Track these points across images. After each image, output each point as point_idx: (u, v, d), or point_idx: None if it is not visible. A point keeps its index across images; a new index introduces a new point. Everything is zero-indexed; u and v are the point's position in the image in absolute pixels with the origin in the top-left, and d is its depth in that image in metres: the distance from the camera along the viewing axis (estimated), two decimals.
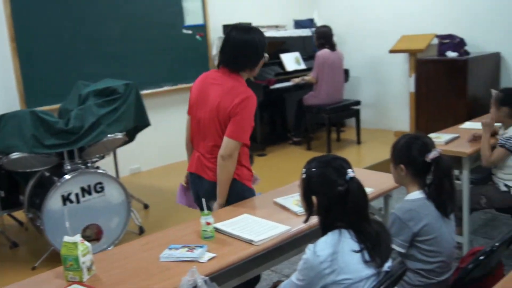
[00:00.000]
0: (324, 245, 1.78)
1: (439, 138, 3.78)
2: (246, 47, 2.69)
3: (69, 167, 3.79)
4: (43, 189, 3.70)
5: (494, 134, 3.64)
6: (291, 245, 2.34)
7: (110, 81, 4.26)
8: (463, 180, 3.62)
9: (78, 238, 1.96)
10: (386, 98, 7.52)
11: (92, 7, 5.44)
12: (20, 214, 4.34)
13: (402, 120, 7.10)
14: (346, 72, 7.17)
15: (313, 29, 6.97)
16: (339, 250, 1.77)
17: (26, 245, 4.22)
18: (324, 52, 6.27)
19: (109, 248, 3.75)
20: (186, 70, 6.35)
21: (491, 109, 3.57)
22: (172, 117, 6.31)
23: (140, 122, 4.31)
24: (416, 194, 2.30)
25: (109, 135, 3.83)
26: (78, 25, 5.35)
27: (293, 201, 2.59)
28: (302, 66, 6.85)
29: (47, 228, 3.59)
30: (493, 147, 3.47)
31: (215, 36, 6.60)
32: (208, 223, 2.23)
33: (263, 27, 6.47)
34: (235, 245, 2.18)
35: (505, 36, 6.19)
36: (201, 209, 2.77)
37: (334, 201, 1.82)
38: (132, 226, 4.21)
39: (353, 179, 1.83)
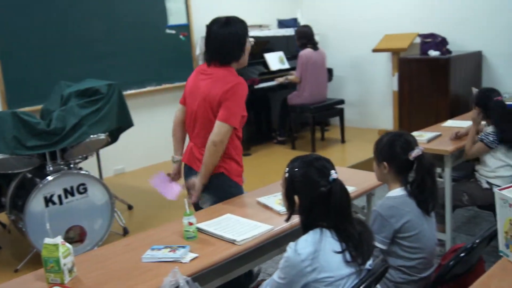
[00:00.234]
0: (305, 244, 1.78)
1: (422, 136, 3.81)
2: (228, 41, 2.73)
3: (51, 169, 3.76)
4: (25, 190, 3.67)
5: (477, 132, 3.68)
6: (274, 244, 2.35)
7: (92, 81, 4.24)
8: (446, 178, 3.65)
9: (59, 240, 1.94)
10: (370, 97, 7.56)
11: (75, 7, 5.41)
12: (2, 216, 4.30)
13: (385, 119, 7.15)
14: (330, 71, 7.20)
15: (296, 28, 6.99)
16: (320, 248, 1.77)
17: (8, 247, 4.18)
18: (306, 52, 6.28)
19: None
20: (169, 70, 6.33)
21: (472, 106, 3.61)
22: (156, 117, 6.30)
23: (123, 123, 4.28)
24: (398, 191, 2.32)
25: (91, 136, 3.81)
26: (61, 25, 5.31)
27: (276, 200, 2.60)
28: (286, 65, 6.85)
29: (30, 230, 3.55)
30: None
31: (199, 36, 6.59)
32: (190, 223, 2.23)
33: None
34: (218, 245, 2.18)
35: (487, 35, 6.25)
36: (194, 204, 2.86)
37: (316, 201, 1.82)
38: (116, 227, 4.19)
39: (336, 180, 1.83)
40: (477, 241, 2.17)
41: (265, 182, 3.16)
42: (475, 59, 6.32)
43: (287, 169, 1.93)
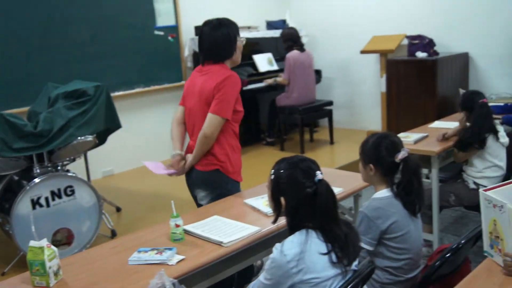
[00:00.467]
0: (291, 245, 1.79)
1: (408, 137, 3.83)
2: (220, 40, 2.85)
3: (38, 171, 3.74)
4: (12, 193, 3.65)
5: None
6: (261, 246, 2.34)
7: (80, 83, 4.22)
8: (433, 179, 3.68)
9: (44, 242, 1.93)
10: (358, 98, 7.59)
11: (62, 9, 5.38)
12: None
13: (374, 120, 7.18)
14: (319, 72, 7.22)
15: None
16: (306, 249, 1.77)
17: None
18: (293, 54, 6.30)
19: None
20: (158, 71, 6.33)
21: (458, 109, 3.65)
22: (145, 119, 6.29)
23: (111, 124, 4.26)
24: (384, 192, 2.33)
25: (79, 138, 3.79)
26: (48, 27, 5.28)
27: (264, 202, 2.60)
28: (275, 67, 6.87)
29: (17, 233, 3.53)
30: None
31: (187, 37, 6.59)
32: (177, 225, 2.23)
33: None
34: (205, 247, 2.18)
35: (473, 37, 6.30)
36: (194, 199, 2.96)
37: (302, 203, 1.83)
38: (104, 230, 4.17)
39: (321, 181, 1.84)
40: (463, 241, 2.18)
41: (255, 183, 3.16)
42: (462, 61, 6.36)
43: (273, 170, 1.93)
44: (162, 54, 6.37)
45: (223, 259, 2.14)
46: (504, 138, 3.54)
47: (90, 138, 3.89)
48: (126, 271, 2.00)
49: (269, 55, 6.92)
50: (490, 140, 3.47)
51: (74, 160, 4.16)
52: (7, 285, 1.98)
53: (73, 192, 3.78)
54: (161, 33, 6.34)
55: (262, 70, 6.71)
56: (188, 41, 6.59)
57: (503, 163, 3.55)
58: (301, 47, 6.41)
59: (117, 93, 5.76)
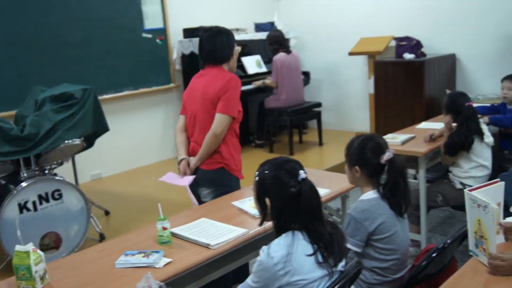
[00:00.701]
0: (277, 247, 1.79)
1: (396, 138, 3.85)
2: (219, 46, 3.07)
3: (25, 175, 3.72)
4: None
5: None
6: (248, 248, 2.35)
7: (67, 86, 4.20)
8: (420, 179, 3.70)
9: (30, 247, 1.92)
10: (347, 99, 7.62)
11: (49, 12, 5.36)
12: None
13: (362, 121, 7.21)
14: (307, 74, 7.24)
15: None
16: (293, 251, 1.78)
17: None
18: (280, 56, 6.32)
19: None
20: (146, 74, 6.32)
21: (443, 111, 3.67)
22: (134, 122, 6.28)
23: (98, 128, 4.25)
24: (370, 194, 2.34)
25: (66, 141, 3.78)
26: (36, 29, 5.25)
27: (251, 204, 2.60)
28: (263, 69, 6.88)
29: (4, 237, 3.51)
30: None
31: (176, 40, 6.58)
32: (164, 228, 2.22)
33: None
34: (192, 250, 2.18)
35: (460, 38, 6.35)
36: (196, 196, 3.05)
37: (287, 203, 1.84)
38: (92, 233, 4.15)
39: (305, 180, 1.85)
40: (449, 241, 2.20)
41: (243, 185, 3.17)
42: (449, 62, 6.41)
43: (257, 172, 1.94)
44: (151, 56, 6.36)
45: (210, 261, 2.14)
46: (488, 138, 3.58)
47: (77, 141, 3.87)
48: (113, 275, 1.99)
49: (257, 57, 6.93)
50: (476, 141, 3.50)
51: (61, 163, 4.14)
52: None
53: (60, 196, 3.76)
54: (149, 35, 6.33)
55: (250, 72, 6.72)
56: (177, 44, 6.59)
57: (488, 163, 3.58)
58: (287, 50, 6.42)
59: (105, 96, 5.74)
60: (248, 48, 6.95)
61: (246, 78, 6.63)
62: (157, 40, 6.42)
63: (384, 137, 2.50)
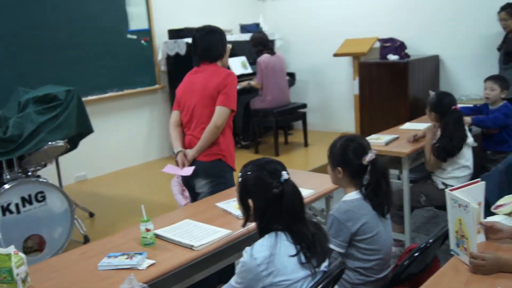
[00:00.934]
0: (260, 248, 1.80)
1: (380, 139, 3.87)
2: (213, 43, 3.20)
3: (8, 177, 3.69)
4: None
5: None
6: (232, 249, 2.35)
7: (51, 87, 4.17)
8: (403, 179, 3.72)
9: (11, 249, 1.91)
10: (332, 100, 7.65)
11: (33, 13, 5.31)
12: None
13: (347, 122, 7.25)
14: (292, 75, 7.26)
15: None
16: (276, 252, 1.79)
17: None
18: (264, 58, 6.32)
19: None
20: (131, 75, 6.29)
21: (426, 109, 3.68)
22: (118, 123, 6.25)
23: (82, 129, 4.22)
24: (353, 195, 2.35)
25: (49, 143, 3.75)
26: (19, 31, 5.21)
27: (235, 205, 2.60)
28: (249, 70, 6.88)
29: None
30: None
31: (160, 41, 6.57)
32: (147, 230, 2.22)
33: None
34: (176, 251, 2.17)
35: (444, 39, 6.42)
36: (189, 188, 3.20)
37: (270, 203, 1.84)
38: (76, 235, 4.13)
39: (287, 181, 1.86)
40: (431, 240, 2.22)
41: None
42: (433, 63, 6.47)
43: (240, 173, 1.95)
44: (135, 58, 6.34)
45: (194, 262, 2.14)
46: (470, 139, 3.61)
47: (61, 143, 3.85)
48: (95, 277, 1.99)
49: (243, 59, 6.93)
50: None
51: (45, 165, 4.11)
52: None
53: (44, 198, 3.74)
54: (134, 36, 6.30)
55: (236, 73, 6.68)
56: (162, 45, 6.57)
57: (469, 163, 3.61)
58: (271, 51, 6.43)
59: (90, 97, 5.71)
60: (233, 49, 6.93)
61: None
62: (142, 41, 6.40)
63: (368, 138, 2.52)
